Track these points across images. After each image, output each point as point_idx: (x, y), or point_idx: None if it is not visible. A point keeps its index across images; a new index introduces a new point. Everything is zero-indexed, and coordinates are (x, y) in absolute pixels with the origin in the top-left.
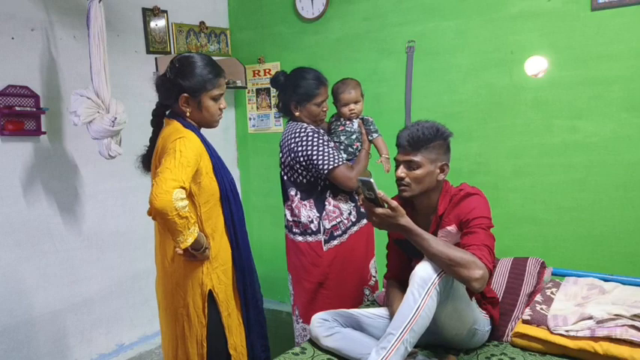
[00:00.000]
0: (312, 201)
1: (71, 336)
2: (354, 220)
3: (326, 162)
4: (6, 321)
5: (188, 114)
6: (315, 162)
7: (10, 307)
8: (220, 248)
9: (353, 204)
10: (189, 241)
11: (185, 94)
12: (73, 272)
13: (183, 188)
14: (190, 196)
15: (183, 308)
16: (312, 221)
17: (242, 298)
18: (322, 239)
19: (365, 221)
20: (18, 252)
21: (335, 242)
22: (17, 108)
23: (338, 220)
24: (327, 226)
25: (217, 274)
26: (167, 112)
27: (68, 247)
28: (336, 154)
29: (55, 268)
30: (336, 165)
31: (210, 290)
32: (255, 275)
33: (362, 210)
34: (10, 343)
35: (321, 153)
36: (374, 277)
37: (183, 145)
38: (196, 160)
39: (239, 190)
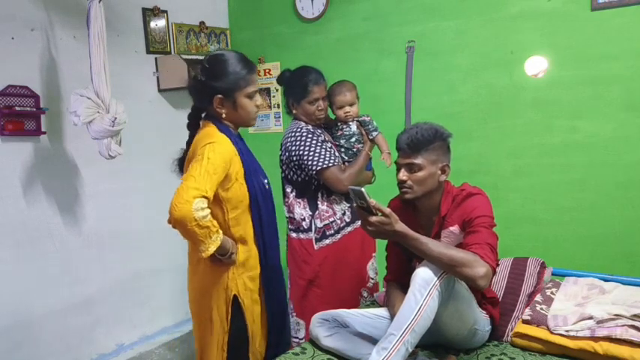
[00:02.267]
0: (305, 199)
1: (71, 336)
2: (348, 220)
3: (315, 162)
4: (6, 321)
5: (224, 115)
6: (306, 162)
7: (10, 307)
8: (250, 254)
9: (347, 204)
10: (212, 249)
11: (219, 96)
12: (73, 272)
13: (206, 197)
14: (218, 201)
15: (207, 312)
16: (304, 219)
17: (268, 306)
18: (313, 237)
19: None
20: (18, 252)
21: (327, 241)
22: (17, 108)
23: (331, 219)
24: (319, 224)
25: (243, 280)
26: (203, 115)
27: (68, 247)
28: (328, 155)
29: (55, 268)
30: (325, 166)
31: (235, 296)
32: (283, 282)
33: None
34: (10, 343)
35: (312, 153)
36: (372, 279)
37: (212, 151)
38: (224, 167)
39: None
